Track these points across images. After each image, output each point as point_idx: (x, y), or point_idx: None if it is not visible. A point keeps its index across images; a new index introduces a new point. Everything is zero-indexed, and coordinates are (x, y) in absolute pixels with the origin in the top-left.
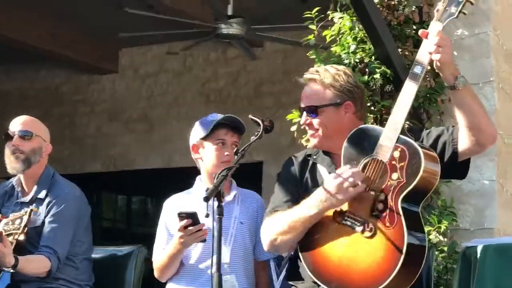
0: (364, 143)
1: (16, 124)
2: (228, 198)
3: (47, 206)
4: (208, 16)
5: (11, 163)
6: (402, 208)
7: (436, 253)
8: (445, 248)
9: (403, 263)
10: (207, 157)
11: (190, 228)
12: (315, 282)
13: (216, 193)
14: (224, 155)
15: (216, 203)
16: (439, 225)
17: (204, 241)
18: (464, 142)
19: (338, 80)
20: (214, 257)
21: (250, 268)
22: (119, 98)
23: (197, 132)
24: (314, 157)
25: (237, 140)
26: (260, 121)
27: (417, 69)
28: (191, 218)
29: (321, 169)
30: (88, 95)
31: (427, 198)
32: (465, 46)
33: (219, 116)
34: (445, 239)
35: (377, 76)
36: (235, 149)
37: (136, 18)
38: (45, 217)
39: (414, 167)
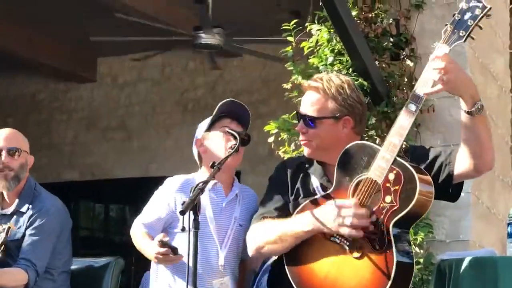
0: (359, 159)
1: (1, 140)
2: (231, 196)
3: (29, 219)
4: (186, 26)
5: (3, 188)
6: (393, 233)
7: None
8: (421, 260)
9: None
10: (212, 146)
11: (169, 255)
12: None
13: (192, 207)
14: (231, 141)
15: (192, 217)
16: (415, 237)
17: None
18: (462, 165)
19: (341, 93)
20: (191, 270)
21: (237, 268)
22: (97, 106)
23: (201, 127)
24: (307, 165)
25: (242, 130)
26: (236, 134)
27: (410, 107)
28: (172, 250)
29: (313, 179)
30: (66, 103)
31: None
32: None
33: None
34: (421, 251)
35: None
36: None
37: (114, 27)
38: (25, 229)
39: (409, 193)
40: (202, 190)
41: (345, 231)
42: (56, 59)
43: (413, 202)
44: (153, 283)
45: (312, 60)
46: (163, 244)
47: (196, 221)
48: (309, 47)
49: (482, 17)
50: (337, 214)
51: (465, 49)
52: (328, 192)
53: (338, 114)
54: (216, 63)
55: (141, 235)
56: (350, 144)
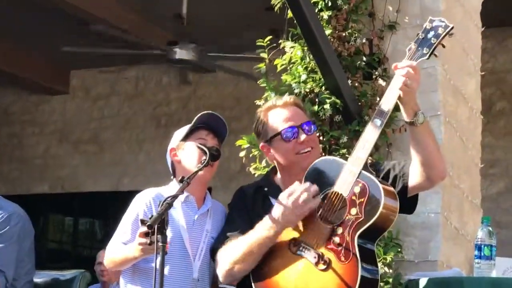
0: (325, 174)
1: None
2: (203, 209)
3: None
4: (160, 41)
5: None
6: (358, 244)
7: (381, 284)
8: (390, 280)
9: None
10: (186, 157)
11: (149, 239)
12: None
13: (160, 221)
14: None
15: (160, 231)
16: (385, 256)
17: (165, 253)
18: (415, 177)
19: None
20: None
21: (211, 281)
22: (69, 119)
23: (177, 135)
24: (266, 189)
25: (218, 144)
26: (206, 149)
27: (376, 122)
28: (146, 224)
29: (273, 201)
30: (38, 116)
31: None
32: None
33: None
34: (390, 271)
35: (327, 106)
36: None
37: (87, 41)
38: None
39: (374, 205)
40: (170, 205)
41: (303, 209)
42: (28, 71)
43: (377, 214)
44: None
45: (285, 77)
46: (144, 223)
47: (163, 235)
48: (282, 64)
49: (444, 35)
50: (290, 201)
51: (437, 71)
52: None
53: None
54: (188, 78)
55: (121, 248)
56: (317, 160)
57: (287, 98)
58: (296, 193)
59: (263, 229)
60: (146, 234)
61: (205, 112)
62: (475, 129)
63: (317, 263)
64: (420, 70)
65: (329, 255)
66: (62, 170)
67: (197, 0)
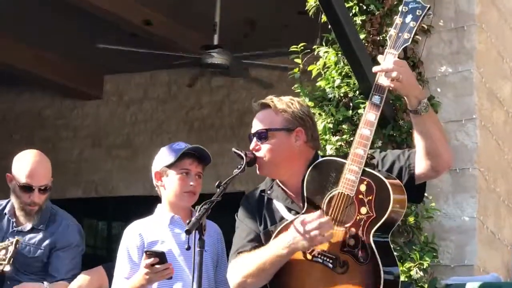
0: (328, 175)
1: (35, 177)
2: None
3: (50, 237)
4: (193, 46)
5: (23, 217)
6: (374, 242)
7: None
8: (426, 286)
9: None
10: (170, 185)
11: (157, 266)
12: None
13: (198, 226)
14: (188, 185)
15: (197, 236)
16: (421, 261)
17: (170, 278)
18: (420, 166)
19: (290, 107)
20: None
21: None
22: (102, 123)
23: (162, 159)
24: (268, 192)
25: (201, 170)
26: (243, 154)
27: (375, 99)
28: (159, 257)
29: (277, 204)
30: (72, 120)
31: (408, 234)
32: (449, 83)
33: (185, 145)
34: (426, 275)
35: (361, 110)
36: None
37: (121, 45)
38: (51, 249)
39: (383, 202)
40: (207, 210)
41: (316, 242)
42: (62, 76)
43: (388, 210)
44: None
45: (319, 82)
46: (148, 254)
47: (201, 240)
48: (317, 69)
49: (423, 17)
50: (304, 231)
51: (472, 75)
52: (301, 213)
53: (290, 126)
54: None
55: (126, 283)
56: (316, 162)
57: (261, 100)
58: (309, 224)
59: (276, 247)
60: (152, 265)
61: (189, 146)
62: (511, 133)
63: (335, 268)
64: (406, 63)
65: (345, 257)
66: (95, 174)
67: (230, 5)
